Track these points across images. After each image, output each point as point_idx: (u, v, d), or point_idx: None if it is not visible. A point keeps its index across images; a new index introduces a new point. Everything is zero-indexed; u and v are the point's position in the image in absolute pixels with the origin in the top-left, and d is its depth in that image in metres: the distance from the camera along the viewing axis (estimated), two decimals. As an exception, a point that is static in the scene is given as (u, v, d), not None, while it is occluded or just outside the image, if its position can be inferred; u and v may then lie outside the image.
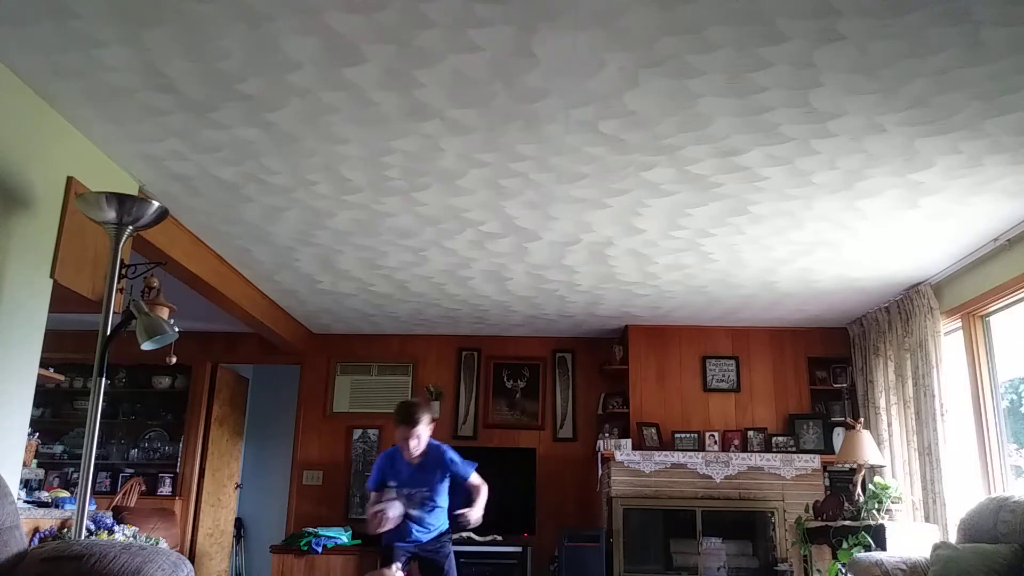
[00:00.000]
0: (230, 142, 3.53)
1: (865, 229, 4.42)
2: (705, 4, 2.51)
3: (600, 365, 7.09)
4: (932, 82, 2.92)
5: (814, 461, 6.08)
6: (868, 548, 4.71)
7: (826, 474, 6.06)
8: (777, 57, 2.79)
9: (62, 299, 3.37)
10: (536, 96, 3.09)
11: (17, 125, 3.03)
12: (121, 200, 2.85)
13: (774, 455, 6.13)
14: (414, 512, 3.80)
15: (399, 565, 3.81)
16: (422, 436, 3.76)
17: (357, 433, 7.17)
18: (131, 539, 3.41)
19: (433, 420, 3.88)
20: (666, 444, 6.41)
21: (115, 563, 2.18)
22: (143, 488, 6.47)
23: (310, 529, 6.45)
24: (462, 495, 3.87)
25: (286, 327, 6.62)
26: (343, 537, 6.42)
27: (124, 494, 6.19)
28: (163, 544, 3.34)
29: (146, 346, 3.02)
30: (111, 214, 2.86)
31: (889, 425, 5.69)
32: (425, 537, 3.89)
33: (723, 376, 6.66)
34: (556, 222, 4.43)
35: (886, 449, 5.64)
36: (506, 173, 3.81)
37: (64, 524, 3.20)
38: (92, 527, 3.33)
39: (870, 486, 5.17)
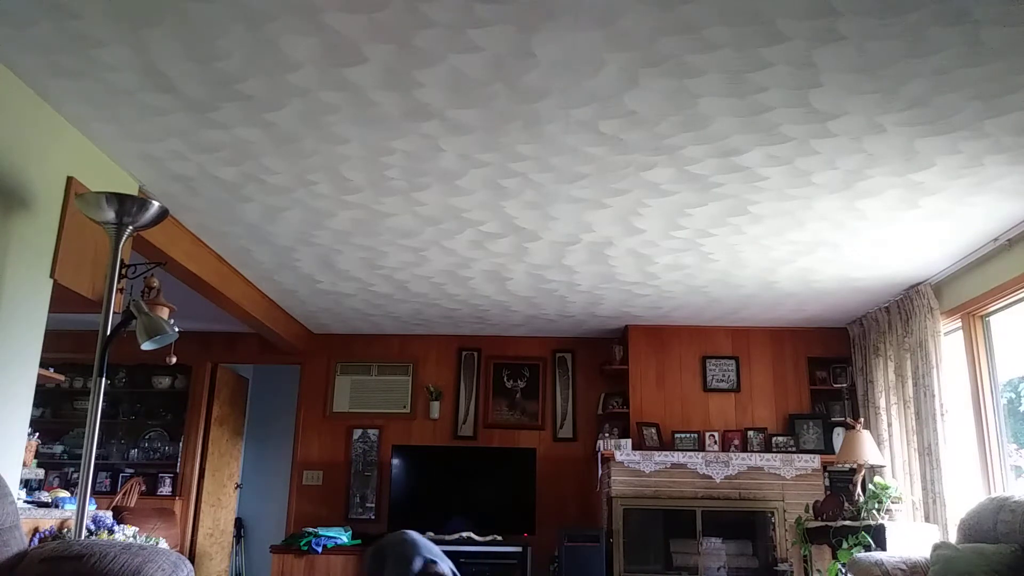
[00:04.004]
0: (230, 142, 3.53)
1: (865, 229, 4.42)
2: (705, 4, 2.51)
3: (600, 365, 7.09)
4: (932, 82, 2.92)
5: (814, 461, 6.08)
6: (868, 548, 4.71)
7: (826, 474, 6.06)
8: (777, 57, 2.79)
9: (62, 299, 3.37)
10: (536, 96, 3.09)
11: (17, 125, 3.03)
12: (121, 200, 2.86)
13: (774, 455, 6.13)
14: None
15: None
16: None
17: (357, 433, 7.17)
18: (131, 539, 3.41)
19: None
20: (666, 444, 6.41)
21: (115, 563, 2.18)
22: (143, 488, 6.48)
23: (310, 529, 6.46)
24: None
25: (286, 327, 6.62)
26: (343, 537, 6.42)
27: (124, 494, 6.19)
28: (163, 544, 3.34)
29: (146, 346, 3.03)
30: (111, 214, 2.86)
31: (889, 425, 5.69)
32: None
33: (723, 376, 6.66)
34: (556, 222, 4.43)
35: (886, 449, 5.64)
36: (506, 173, 3.81)
37: (64, 524, 3.20)
38: (92, 527, 3.33)
39: (870, 486, 5.17)
